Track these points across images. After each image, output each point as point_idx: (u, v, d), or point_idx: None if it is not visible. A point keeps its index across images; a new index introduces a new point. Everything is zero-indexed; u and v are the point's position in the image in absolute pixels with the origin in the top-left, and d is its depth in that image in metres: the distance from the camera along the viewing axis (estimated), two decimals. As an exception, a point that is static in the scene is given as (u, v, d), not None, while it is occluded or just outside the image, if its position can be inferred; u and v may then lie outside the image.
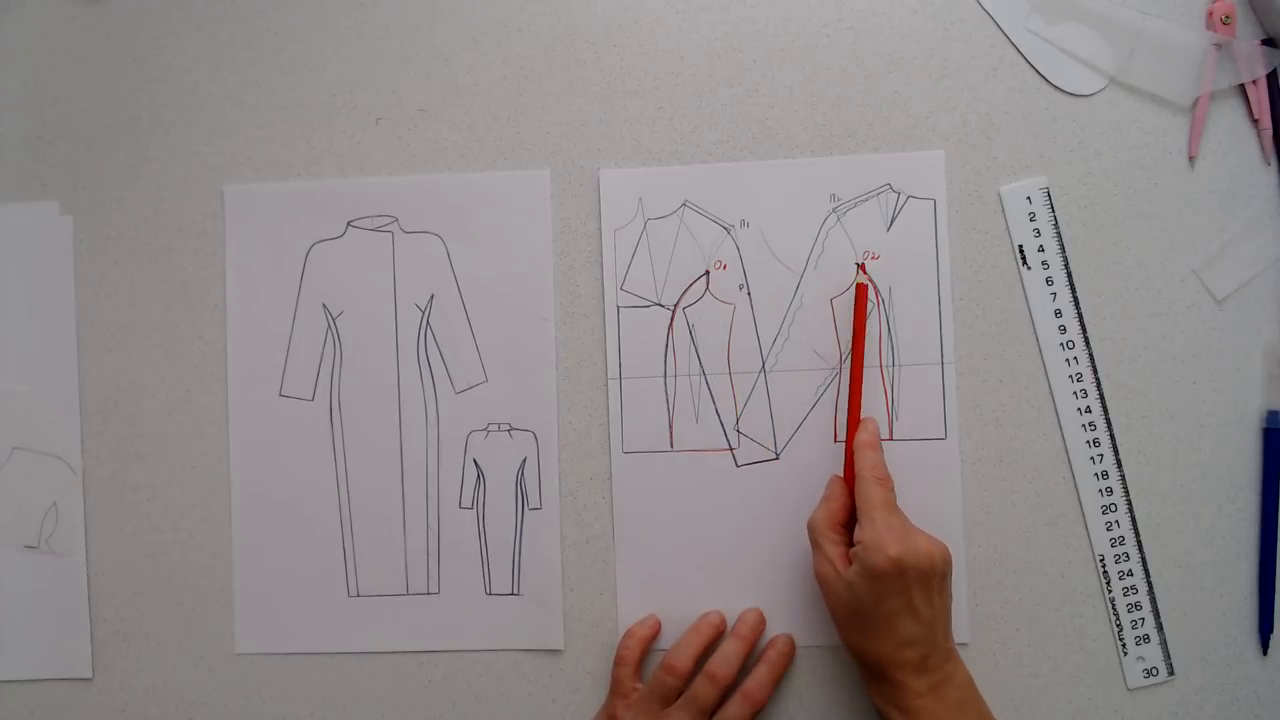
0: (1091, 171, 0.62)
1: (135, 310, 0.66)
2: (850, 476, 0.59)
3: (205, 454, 0.65)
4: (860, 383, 0.60)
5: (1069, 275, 0.62)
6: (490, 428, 0.64)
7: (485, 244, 0.64)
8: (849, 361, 0.61)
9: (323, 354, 0.65)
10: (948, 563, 0.56)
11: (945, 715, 0.53)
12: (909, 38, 0.63)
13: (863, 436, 0.59)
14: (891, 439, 0.61)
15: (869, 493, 0.56)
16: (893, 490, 0.57)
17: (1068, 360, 0.61)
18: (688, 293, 0.63)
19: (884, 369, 0.62)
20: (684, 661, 0.59)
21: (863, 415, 0.60)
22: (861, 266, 0.61)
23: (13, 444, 0.66)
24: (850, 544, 0.57)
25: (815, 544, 0.58)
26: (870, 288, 0.62)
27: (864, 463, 0.58)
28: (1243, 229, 0.61)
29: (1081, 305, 0.61)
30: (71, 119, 0.67)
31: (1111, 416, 0.61)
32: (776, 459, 0.62)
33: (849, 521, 0.58)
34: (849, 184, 0.62)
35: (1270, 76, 0.61)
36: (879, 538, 0.54)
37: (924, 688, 0.54)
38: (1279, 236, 0.61)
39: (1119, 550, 0.61)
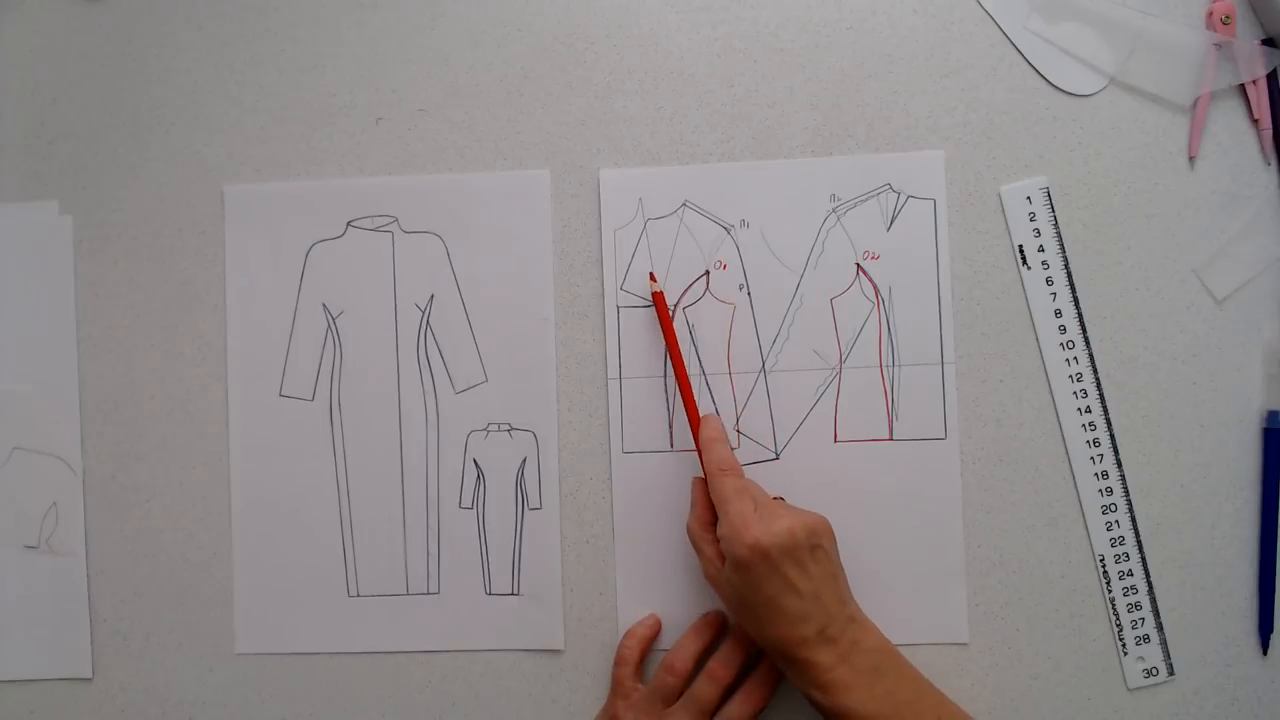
0: (1091, 171, 0.62)
1: (135, 310, 0.66)
2: None
3: (205, 454, 0.65)
4: (688, 386, 0.61)
5: (1069, 275, 0.62)
6: (490, 428, 0.64)
7: (485, 244, 0.64)
8: (842, 362, 0.61)
9: (323, 354, 0.65)
10: (815, 532, 0.55)
11: (860, 683, 0.53)
12: (909, 38, 0.63)
13: (706, 433, 0.59)
14: (891, 439, 0.61)
15: (718, 486, 0.57)
16: (742, 476, 0.57)
17: (1068, 360, 0.61)
18: (688, 293, 0.63)
19: (884, 369, 0.62)
20: (685, 661, 0.59)
21: (703, 414, 0.61)
22: (652, 276, 0.62)
23: (13, 444, 0.66)
24: None
25: (696, 549, 0.58)
26: (871, 287, 0.62)
27: (710, 458, 0.58)
28: (1243, 229, 0.61)
29: (1081, 305, 0.61)
30: (71, 119, 0.67)
31: (1111, 416, 0.61)
32: (776, 459, 0.62)
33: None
34: (849, 184, 0.62)
35: (1270, 76, 0.61)
36: (733, 528, 0.54)
37: (832, 660, 0.53)
38: (1279, 236, 0.61)
39: (1119, 550, 0.61)
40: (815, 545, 0.54)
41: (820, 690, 0.53)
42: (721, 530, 0.56)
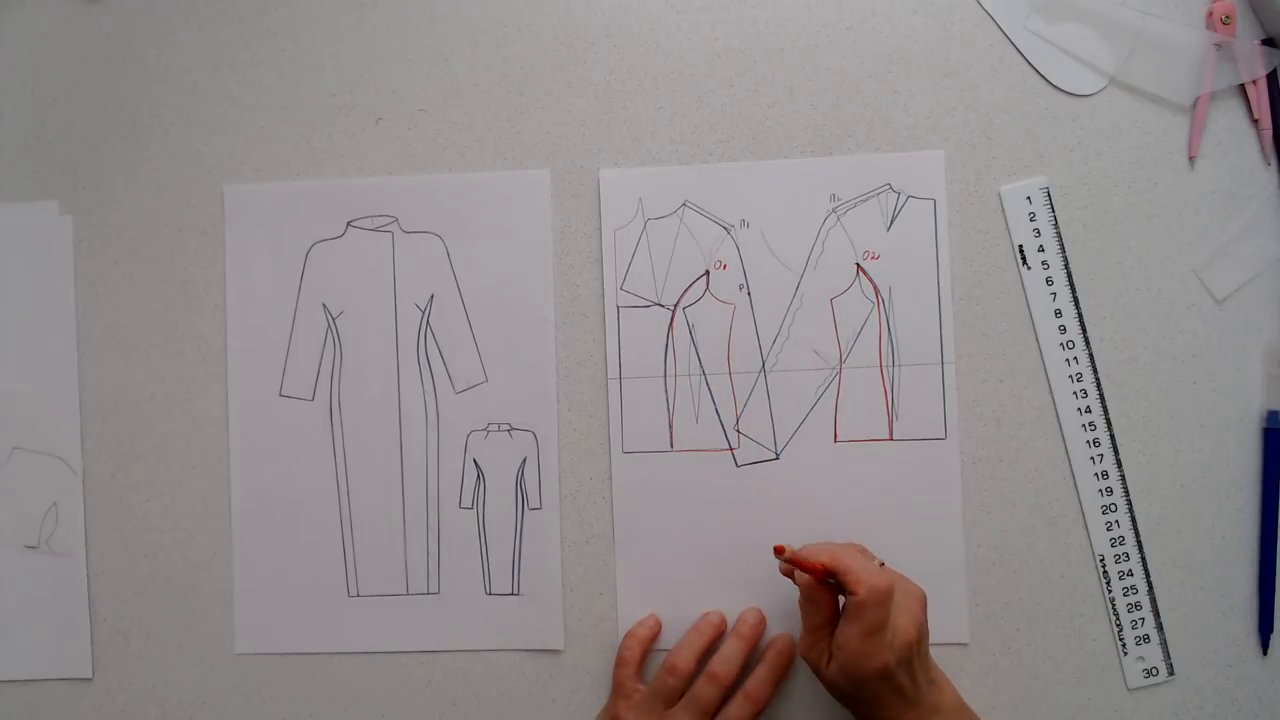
0: (1091, 171, 0.62)
1: (135, 310, 0.66)
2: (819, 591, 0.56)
3: (205, 454, 0.65)
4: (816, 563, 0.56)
5: (1069, 275, 0.62)
6: (490, 428, 0.64)
7: (485, 244, 0.64)
8: (842, 362, 0.61)
9: (323, 354, 0.65)
10: (920, 628, 0.54)
11: None
12: (909, 38, 0.63)
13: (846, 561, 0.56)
14: (891, 439, 0.61)
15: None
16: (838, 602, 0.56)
17: (1068, 360, 0.61)
18: (688, 293, 0.63)
19: (884, 369, 0.62)
20: (686, 662, 0.59)
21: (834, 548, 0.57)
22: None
23: (13, 444, 0.66)
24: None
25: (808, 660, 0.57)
26: (871, 287, 0.62)
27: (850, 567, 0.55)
28: (1243, 229, 0.61)
29: (1081, 305, 0.61)
30: (71, 119, 0.67)
31: (1111, 416, 0.61)
32: (776, 459, 0.62)
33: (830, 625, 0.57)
34: (849, 184, 0.62)
35: (1270, 76, 0.61)
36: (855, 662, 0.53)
37: None
38: (1279, 236, 0.61)
39: (1119, 550, 0.61)
40: (919, 640, 0.54)
41: None
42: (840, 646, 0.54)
